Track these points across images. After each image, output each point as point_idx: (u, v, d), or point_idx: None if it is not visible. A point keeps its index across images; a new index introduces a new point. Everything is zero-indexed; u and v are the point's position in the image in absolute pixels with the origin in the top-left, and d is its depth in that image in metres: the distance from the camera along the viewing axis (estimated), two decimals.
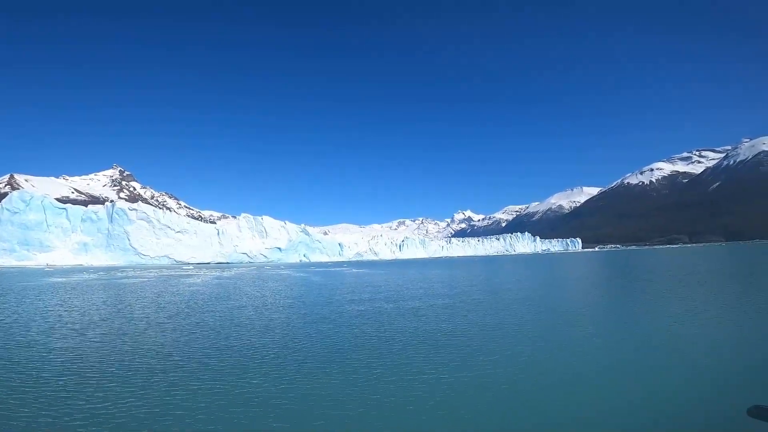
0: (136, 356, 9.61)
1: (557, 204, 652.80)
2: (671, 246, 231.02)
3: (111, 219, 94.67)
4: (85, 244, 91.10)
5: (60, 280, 37.41)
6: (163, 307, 18.33)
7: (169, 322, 14.28)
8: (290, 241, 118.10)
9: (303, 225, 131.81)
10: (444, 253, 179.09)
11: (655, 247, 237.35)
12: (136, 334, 12.27)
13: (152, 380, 7.77)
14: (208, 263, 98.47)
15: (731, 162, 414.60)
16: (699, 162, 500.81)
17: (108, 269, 63.30)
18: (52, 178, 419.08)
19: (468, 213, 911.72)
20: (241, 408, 6.46)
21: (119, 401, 6.72)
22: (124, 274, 48.57)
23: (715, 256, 64.21)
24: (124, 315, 16.04)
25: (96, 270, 60.28)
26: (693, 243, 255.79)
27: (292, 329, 12.82)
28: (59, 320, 14.82)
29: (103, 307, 18.48)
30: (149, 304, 19.20)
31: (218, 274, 48.63)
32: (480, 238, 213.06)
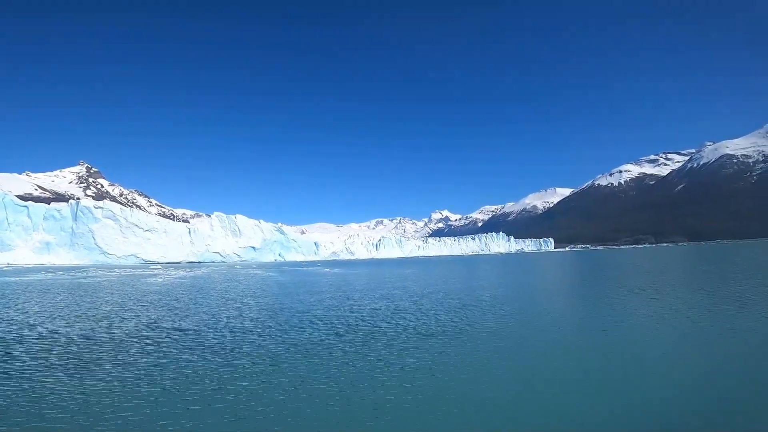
0: (45, 362, 9.57)
1: (532, 204, 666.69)
2: (636, 246, 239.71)
3: (75, 217, 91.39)
4: (47, 243, 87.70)
5: (12, 279, 36.06)
6: (102, 307, 18.10)
7: (96, 324, 14.17)
8: (265, 240, 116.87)
9: (279, 224, 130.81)
10: (420, 253, 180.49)
11: (622, 247, 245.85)
12: (55, 337, 12.11)
13: (62, 386, 7.77)
14: (179, 263, 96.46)
15: (695, 165, 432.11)
16: (665, 164, 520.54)
17: (70, 269, 61.20)
18: (15, 174, 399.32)
19: (445, 213, 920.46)
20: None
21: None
22: (85, 273, 47.14)
23: (669, 256, 67.14)
24: (51, 316, 15.78)
25: (56, 269, 58.23)
26: (658, 243, 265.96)
27: (236, 327, 12.98)
28: None
29: (34, 308, 18.04)
30: (87, 305, 18.86)
31: (184, 273, 47.79)
32: (456, 238, 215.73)
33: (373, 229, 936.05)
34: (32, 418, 5.99)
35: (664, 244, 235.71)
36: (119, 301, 19.94)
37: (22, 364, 8.67)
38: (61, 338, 11.27)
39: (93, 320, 14.27)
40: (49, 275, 43.02)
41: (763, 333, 10.36)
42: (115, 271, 52.82)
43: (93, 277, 40.47)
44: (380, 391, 6.92)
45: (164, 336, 11.42)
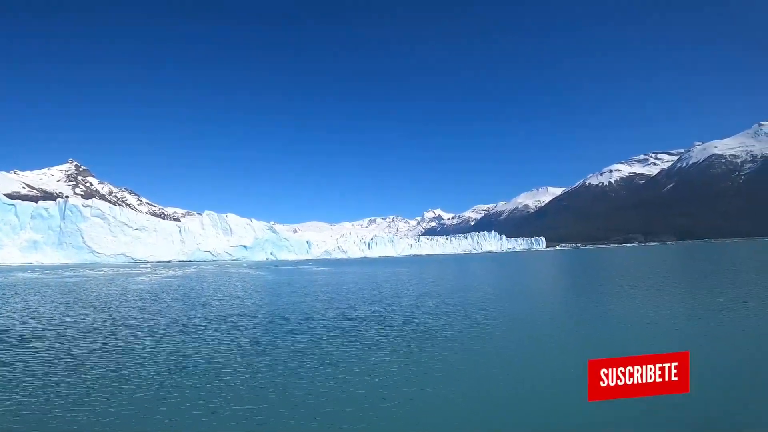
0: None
1: (523, 203, 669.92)
2: (626, 245, 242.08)
3: (63, 216, 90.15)
4: (35, 242, 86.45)
5: None
6: (81, 306, 17.85)
7: (71, 324, 13.98)
8: (256, 239, 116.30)
9: (271, 222, 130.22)
10: (413, 252, 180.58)
11: (612, 246, 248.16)
12: (24, 337, 11.92)
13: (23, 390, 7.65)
14: (169, 262, 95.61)
15: (684, 164, 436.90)
16: (655, 164, 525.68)
17: (56, 268, 60.29)
18: (3, 172, 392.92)
19: (438, 211, 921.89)
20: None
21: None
22: (72, 272, 46.50)
23: (659, 255, 67.89)
24: (24, 315, 15.55)
25: (43, 269, 57.35)
26: (647, 242, 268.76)
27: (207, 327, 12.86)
28: None
29: (11, 308, 17.73)
30: (66, 305, 18.60)
31: (173, 273, 47.37)
32: (449, 237, 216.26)
33: (366, 227, 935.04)
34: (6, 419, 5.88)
35: (654, 243, 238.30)
36: (100, 300, 19.67)
37: None
38: (31, 338, 11.09)
39: (68, 320, 14.06)
40: (35, 274, 42.39)
41: (761, 332, 10.45)
42: (102, 270, 52.19)
43: (79, 276, 39.93)
44: (375, 392, 6.86)
45: (142, 337, 11.29)
